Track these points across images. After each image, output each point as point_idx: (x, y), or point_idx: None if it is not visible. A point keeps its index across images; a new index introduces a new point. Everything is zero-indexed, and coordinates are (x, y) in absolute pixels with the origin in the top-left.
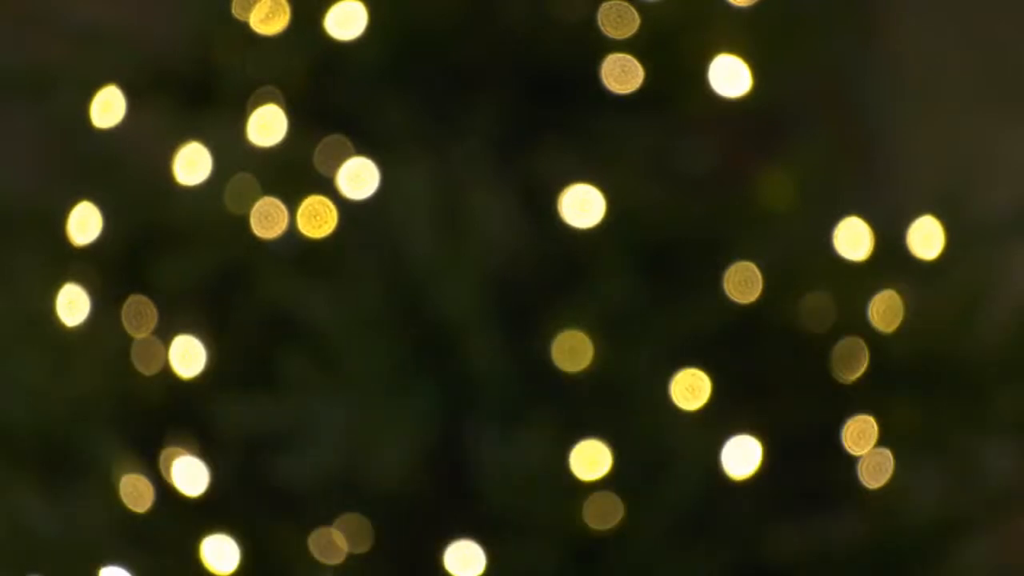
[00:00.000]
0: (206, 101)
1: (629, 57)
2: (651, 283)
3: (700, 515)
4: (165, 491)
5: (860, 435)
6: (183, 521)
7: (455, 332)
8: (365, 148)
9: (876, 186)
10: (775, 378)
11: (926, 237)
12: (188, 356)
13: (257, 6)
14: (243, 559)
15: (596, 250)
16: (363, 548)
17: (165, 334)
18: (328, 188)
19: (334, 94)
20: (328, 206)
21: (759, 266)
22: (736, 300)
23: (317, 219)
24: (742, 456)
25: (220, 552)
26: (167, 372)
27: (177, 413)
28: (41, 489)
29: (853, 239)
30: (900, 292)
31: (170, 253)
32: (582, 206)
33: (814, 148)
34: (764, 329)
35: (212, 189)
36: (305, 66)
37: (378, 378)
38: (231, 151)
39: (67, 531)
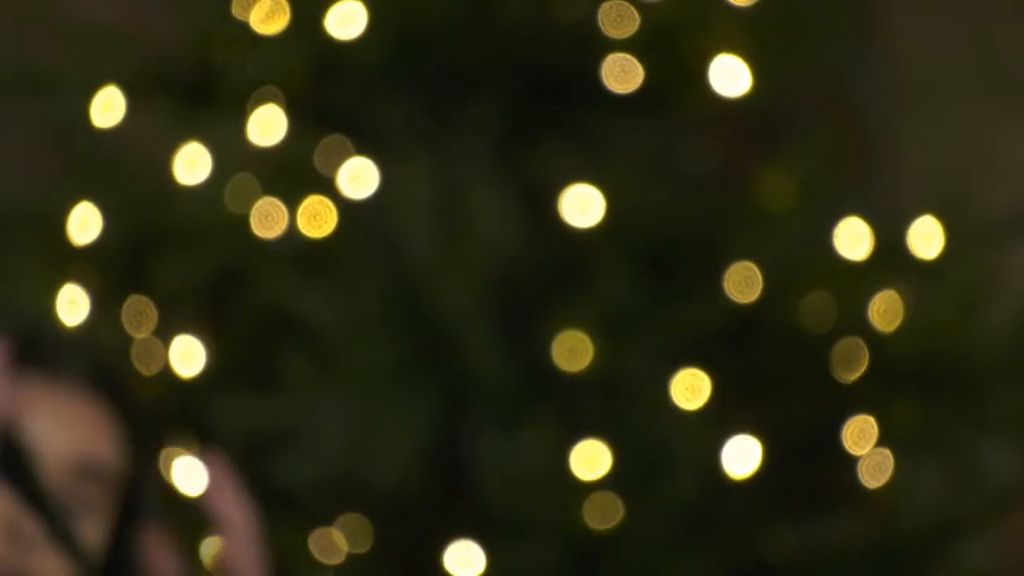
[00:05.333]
0: (206, 101)
1: (629, 57)
2: (651, 283)
3: (700, 515)
4: (165, 491)
5: (860, 435)
6: (183, 521)
7: (455, 332)
8: (365, 148)
9: (876, 186)
10: (775, 378)
11: (926, 237)
12: (188, 356)
13: (257, 6)
14: None
15: (596, 250)
16: (363, 548)
17: (165, 334)
18: (328, 188)
19: (334, 94)
20: (328, 206)
21: (759, 266)
22: (736, 300)
23: (317, 219)
24: (742, 456)
25: None
26: (167, 372)
27: (177, 413)
28: None
29: (853, 239)
30: (900, 292)
31: (170, 253)
32: (582, 206)
33: (814, 148)
34: (764, 329)
35: (212, 189)
36: (305, 66)
37: (378, 378)
38: (231, 151)
39: None
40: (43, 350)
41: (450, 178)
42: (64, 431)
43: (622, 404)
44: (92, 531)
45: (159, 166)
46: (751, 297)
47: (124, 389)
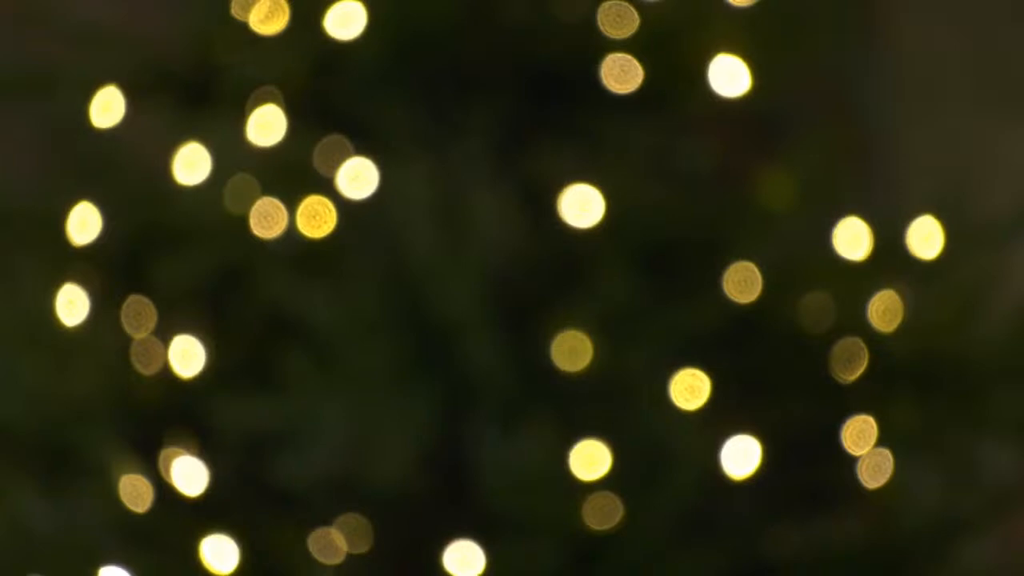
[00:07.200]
0: (206, 101)
1: (629, 57)
2: (651, 283)
3: (700, 515)
4: (165, 491)
5: (860, 435)
6: (183, 521)
7: (455, 332)
8: (365, 148)
9: (876, 186)
10: (775, 378)
11: (926, 237)
12: (188, 356)
13: (257, 6)
14: (243, 559)
15: (596, 250)
16: (363, 548)
17: (165, 334)
18: (328, 188)
19: (334, 94)
20: (328, 206)
21: (759, 266)
22: (736, 300)
23: (317, 219)
24: (742, 456)
25: (220, 552)
26: (167, 372)
27: (177, 413)
28: (41, 489)
29: (853, 239)
30: (900, 292)
31: (170, 253)
32: (582, 206)
33: (814, 148)
34: (764, 329)
35: (212, 189)
36: (305, 66)
37: (378, 378)
38: (231, 151)
39: (67, 531)
40: None
41: (450, 178)
42: None
43: (622, 404)
44: None
45: (159, 166)
46: (751, 297)
47: None
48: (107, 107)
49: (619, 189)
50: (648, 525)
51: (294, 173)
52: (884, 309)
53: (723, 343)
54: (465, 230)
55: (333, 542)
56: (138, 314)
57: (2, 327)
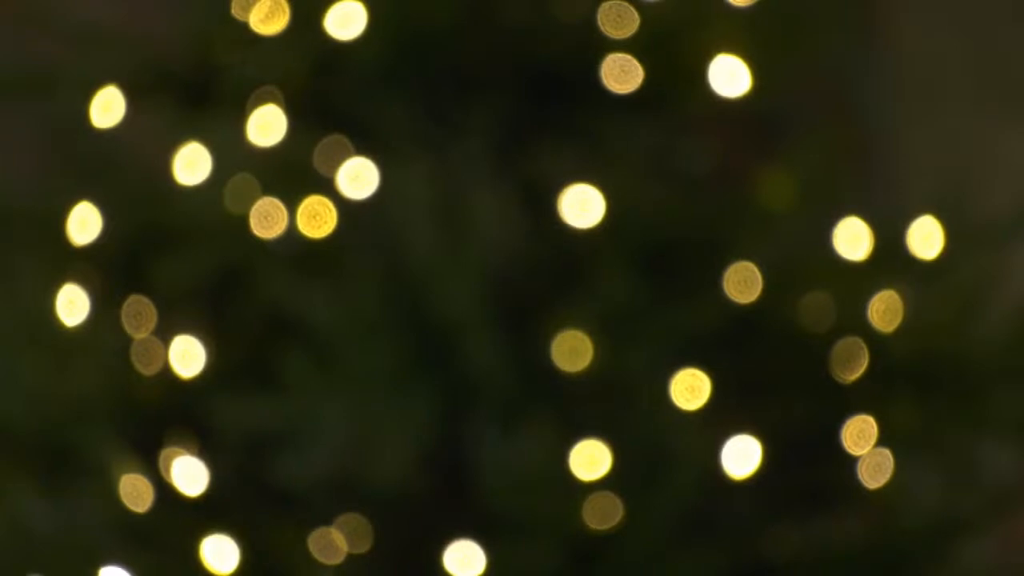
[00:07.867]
0: (206, 101)
1: (629, 57)
2: (651, 283)
3: (700, 515)
4: (165, 491)
5: (860, 435)
6: (183, 521)
7: (455, 332)
8: (365, 148)
9: (876, 186)
10: (775, 378)
11: (926, 237)
12: (188, 356)
13: (257, 6)
14: (243, 559)
15: (596, 250)
16: (363, 548)
17: (165, 334)
18: (328, 188)
19: (334, 94)
20: (328, 206)
21: (759, 266)
22: (736, 300)
23: (317, 219)
24: (742, 456)
25: (220, 552)
26: (167, 372)
27: (177, 413)
28: (41, 489)
29: (853, 239)
30: (900, 292)
31: (170, 253)
32: (582, 206)
33: (814, 148)
34: (764, 329)
35: (212, 189)
36: (305, 66)
37: (378, 378)
38: (231, 151)
39: (67, 531)
40: None
41: (450, 178)
42: None
43: (622, 404)
44: None
45: (159, 166)
46: (751, 297)
47: None
48: (107, 107)
49: (619, 189)
50: (648, 525)
51: (294, 173)
52: (884, 309)
53: (723, 343)
54: (465, 230)
55: (333, 542)
56: (138, 314)
57: (2, 327)
